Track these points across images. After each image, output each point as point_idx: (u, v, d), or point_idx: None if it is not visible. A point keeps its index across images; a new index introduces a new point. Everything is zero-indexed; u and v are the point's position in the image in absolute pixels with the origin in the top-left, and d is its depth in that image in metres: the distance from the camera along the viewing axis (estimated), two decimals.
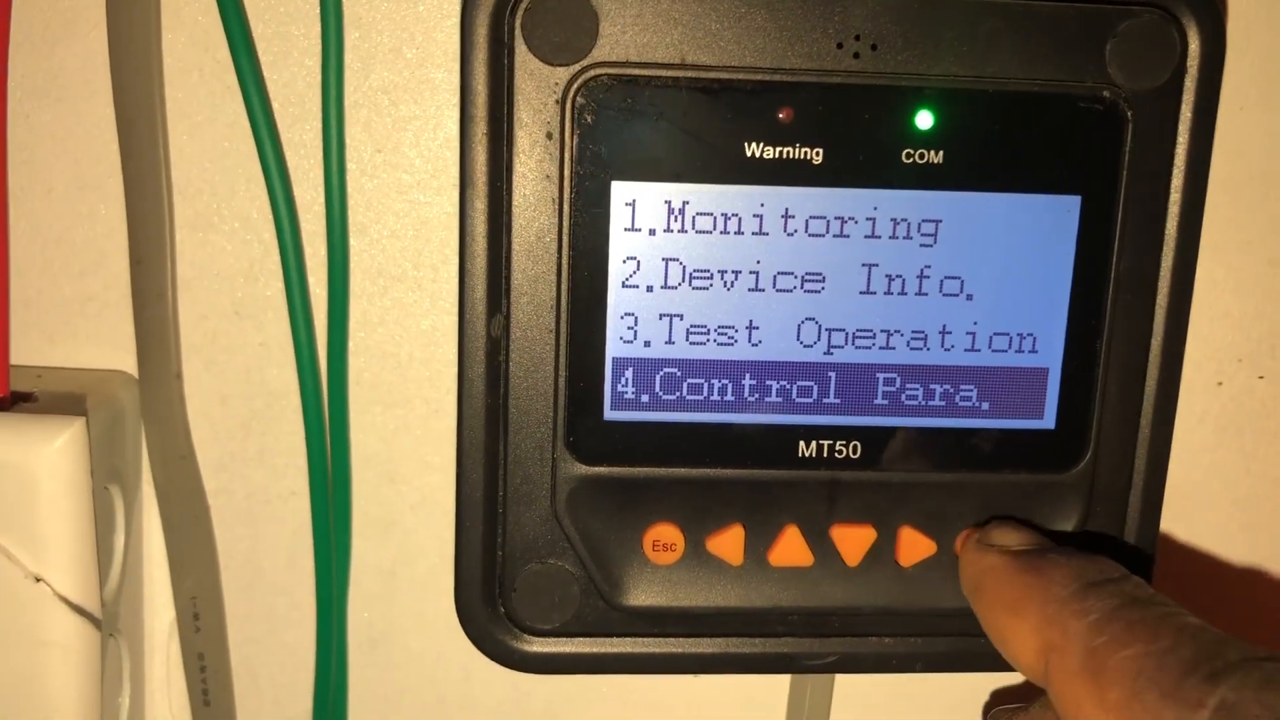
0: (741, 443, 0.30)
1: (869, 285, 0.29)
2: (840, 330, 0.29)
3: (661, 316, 0.29)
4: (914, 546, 0.31)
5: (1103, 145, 0.29)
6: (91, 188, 0.31)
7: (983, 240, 0.29)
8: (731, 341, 0.29)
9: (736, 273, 0.29)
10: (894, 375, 0.30)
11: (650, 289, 0.29)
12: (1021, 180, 0.29)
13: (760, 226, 0.29)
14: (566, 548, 0.30)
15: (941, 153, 0.29)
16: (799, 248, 0.29)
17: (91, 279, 0.32)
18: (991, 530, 0.29)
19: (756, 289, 0.29)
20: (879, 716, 0.37)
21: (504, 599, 0.30)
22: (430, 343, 0.33)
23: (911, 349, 0.30)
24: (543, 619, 0.30)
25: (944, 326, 0.30)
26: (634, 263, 0.29)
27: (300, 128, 0.31)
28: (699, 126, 0.28)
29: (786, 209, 0.29)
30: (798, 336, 0.29)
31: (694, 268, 0.29)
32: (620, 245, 0.29)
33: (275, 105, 0.31)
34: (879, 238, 0.29)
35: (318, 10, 0.30)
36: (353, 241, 0.32)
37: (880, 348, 0.30)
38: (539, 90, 0.28)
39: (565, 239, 0.28)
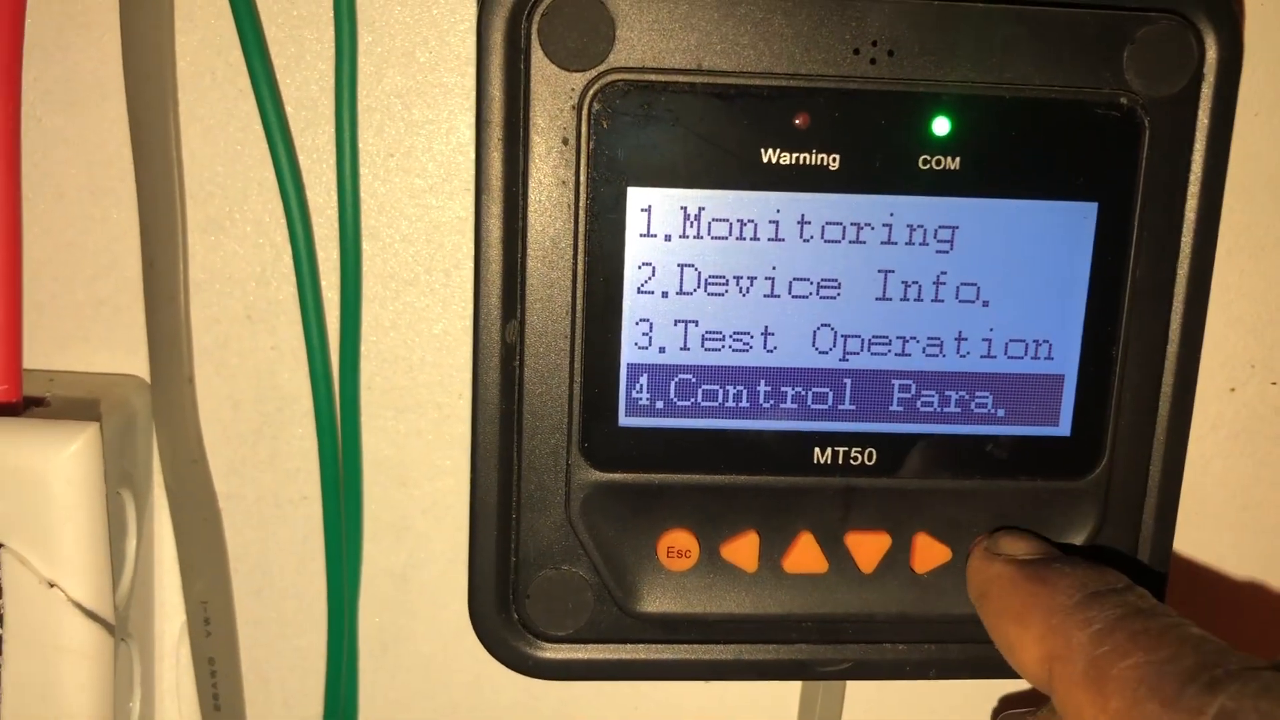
0: (756, 449, 0.30)
1: (885, 291, 0.29)
2: (856, 336, 0.29)
3: (677, 322, 0.29)
4: (929, 553, 0.31)
5: (1120, 152, 0.29)
6: (104, 191, 0.31)
7: (999, 246, 0.29)
8: (747, 348, 0.29)
9: (752, 279, 0.29)
10: (909, 382, 0.30)
11: (665, 295, 0.29)
12: (1038, 187, 0.29)
13: (776, 232, 0.29)
14: (580, 554, 0.30)
15: (958, 159, 0.29)
16: (815, 254, 0.29)
17: (103, 283, 0.32)
18: (998, 539, 0.29)
19: (772, 295, 0.29)
20: None
21: (517, 605, 0.30)
22: (442, 347, 0.33)
23: (927, 355, 0.30)
24: (556, 625, 0.30)
25: (960, 333, 0.30)
26: (649, 268, 0.29)
27: (313, 131, 0.31)
28: (715, 132, 0.28)
29: (803, 215, 0.29)
30: (813, 343, 0.29)
31: (709, 273, 0.29)
32: (636, 251, 0.28)
33: (288, 109, 0.31)
34: (895, 244, 0.29)
35: (331, 14, 0.30)
36: (365, 245, 0.32)
37: (896, 354, 0.30)
38: (555, 96, 0.28)
39: (581, 244, 0.28)
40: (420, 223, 0.32)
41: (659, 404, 0.29)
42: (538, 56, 0.27)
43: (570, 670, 0.31)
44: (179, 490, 0.32)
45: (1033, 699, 0.36)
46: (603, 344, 0.29)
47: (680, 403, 0.29)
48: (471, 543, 0.30)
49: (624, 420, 0.29)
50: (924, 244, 0.29)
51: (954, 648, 0.31)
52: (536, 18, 0.27)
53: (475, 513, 0.30)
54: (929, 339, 0.29)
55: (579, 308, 0.29)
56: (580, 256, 0.28)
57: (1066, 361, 0.30)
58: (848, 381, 0.30)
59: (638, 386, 0.29)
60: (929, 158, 0.29)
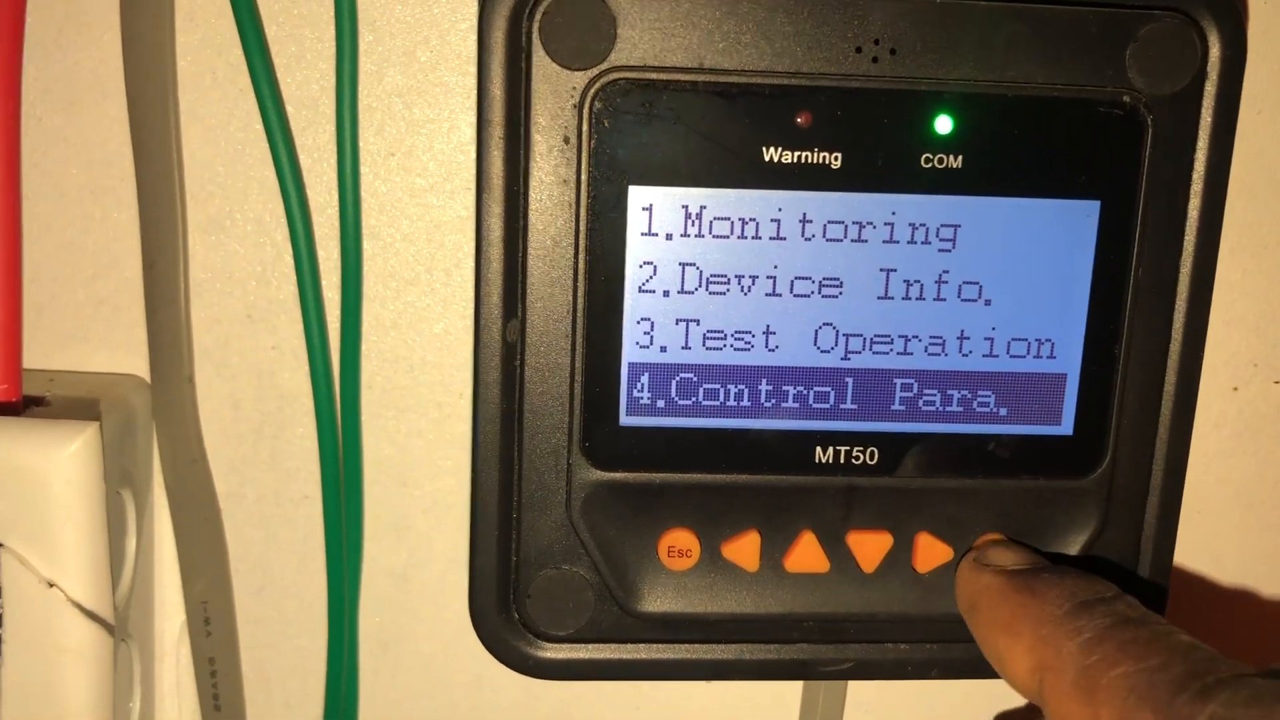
0: (758, 448, 0.30)
1: (887, 290, 0.29)
2: (858, 335, 0.29)
3: (678, 321, 0.29)
4: (931, 552, 0.30)
5: (1122, 150, 0.29)
6: (104, 191, 0.31)
7: (1001, 245, 0.29)
8: (748, 347, 0.29)
9: (754, 278, 0.29)
10: (911, 381, 0.30)
11: (667, 294, 0.29)
12: (1041, 185, 0.29)
13: (778, 231, 0.29)
14: (581, 553, 0.30)
15: (960, 157, 0.28)
16: (817, 253, 0.29)
17: (103, 283, 0.32)
18: (987, 550, 0.29)
19: (774, 294, 0.29)
20: None
21: (518, 605, 0.30)
22: (443, 347, 0.33)
23: (929, 354, 0.29)
24: (557, 625, 0.30)
25: (962, 332, 0.29)
26: (650, 267, 0.29)
27: (314, 131, 0.31)
28: (717, 131, 0.28)
29: (804, 214, 0.28)
30: (815, 342, 0.29)
31: (711, 272, 0.29)
32: (637, 250, 0.28)
33: (289, 108, 0.31)
34: (897, 243, 0.29)
35: (332, 13, 0.30)
36: (366, 245, 0.32)
37: (898, 353, 0.29)
38: (556, 94, 0.27)
39: (582, 243, 0.28)
40: (421, 222, 0.32)
41: (660, 403, 0.29)
42: (539, 55, 0.27)
43: (571, 670, 0.31)
44: (179, 490, 0.32)
45: (1030, 715, 0.36)
46: (604, 343, 0.29)
47: (681, 402, 0.29)
48: (472, 542, 0.30)
49: (625, 419, 0.29)
50: (926, 243, 0.29)
51: (956, 647, 0.31)
52: (538, 16, 0.27)
53: (476, 512, 0.30)
54: (931, 338, 0.29)
55: (580, 307, 0.29)
56: (581, 255, 0.28)
57: (1069, 360, 0.30)
58: (849, 381, 0.30)
59: (639, 386, 0.29)
60: (931, 156, 0.28)
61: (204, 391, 0.33)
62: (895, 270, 0.29)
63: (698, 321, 0.29)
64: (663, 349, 0.29)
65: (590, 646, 0.31)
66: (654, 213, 0.28)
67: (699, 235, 0.28)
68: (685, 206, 0.28)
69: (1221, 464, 0.35)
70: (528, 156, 0.28)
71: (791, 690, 0.36)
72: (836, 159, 0.28)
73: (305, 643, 0.35)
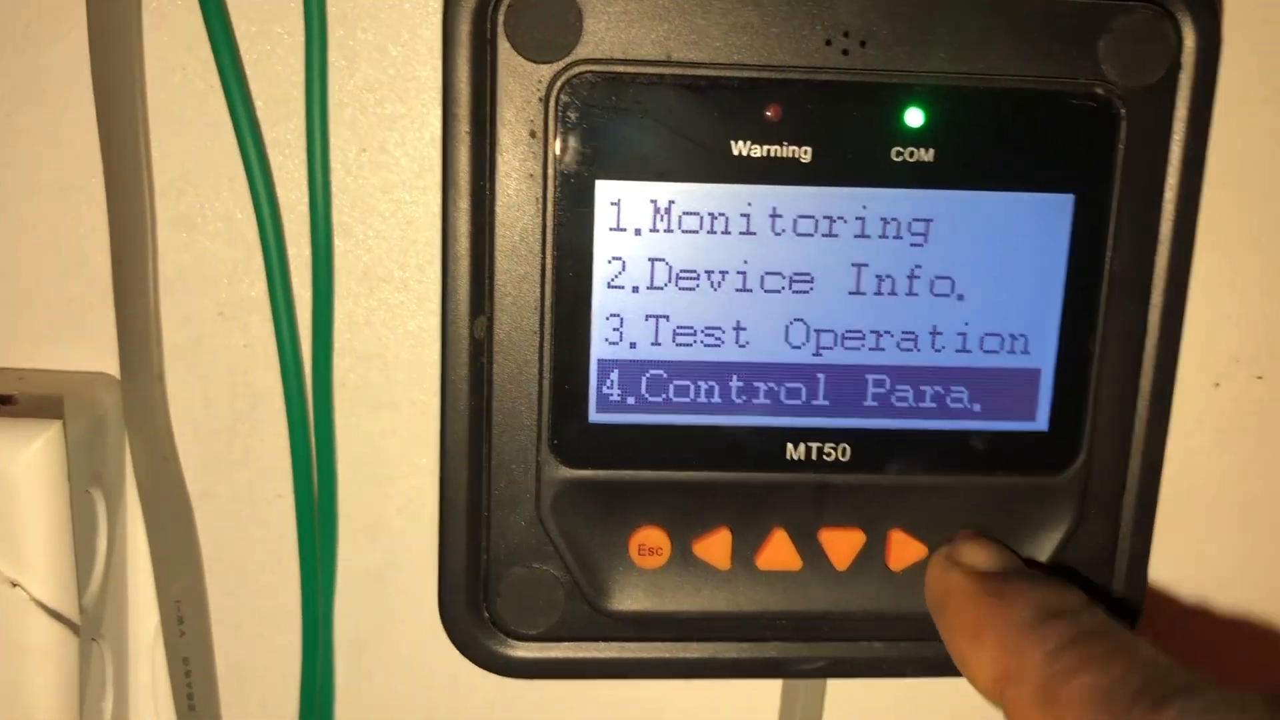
0: (729, 445, 0.29)
1: (858, 285, 0.29)
2: (829, 331, 0.29)
3: (648, 317, 0.29)
4: (904, 550, 0.30)
5: (1096, 143, 0.29)
6: (73, 189, 0.31)
7: (974, 240, 0.29)
8: (719, 343, 0.29)
9: (724, 273, 0.29)
10: (884, 377, 0.29)
11: (636, 289, 0.29)
12: (1013, 178, 0.28)
13: (748, 226, 0.28)
14: (551, 552, 0.30)
15: (932, 151, 0.28)
16: (787, 247, 0.28)
17: (74, 280, 0.32)
18: (959, 546, 0.29)
19: (744, 289, 0.29)
20: None
21: (488, 604, 0.30)
22: (417, 344, 0.32)
23: (902, 350, 0.29)
24: (527, 624, 0.30)
25: (934, 327, 0.29)
26: (619, 263, 0.28)
27: (284, 127, 0.31)
28: (685, 124, 0.28)
29: (774, 208, 0.28)
30: (786, 337, 0.29)
31: (680, 268, 0.28)
32: (605, 245, 0.28)
33: (258, 104, 0.31)
34: (868, 237, 0.29)
35: (301, 8, 0.30)
36: (337, 242, 0.32)
37: (870, 349, 0.29)
38: (522, 88, 0.27)
39: (549, 239, 0.28)
40: (393, 218, 0.32)
41: (630, 400, 0.29)
42: (504, 48, 0.27)
43: (542, 669, 0.30)
44: (151, 489, 0.32)
45: None
46: (573, 339, 0.29)
47: (652, 399, 0.29)
48: (441, 541, 0.30)
49: (594, 416, 0.29)
50: (898, 237, 0.29)
51: (931, 646, 0.31)
52: (503, 8, 0.27)
53: (445, 510, 0.29)
54: (903, 333, 0.29)
55: (548, 303, 0.28)
56: (549, 251, 0.28)
57: (1043, 356, 0.30)
58: (821, 376, 0.29)
59: (608, 382, 0.29)
60: (902, 149, 0.28)
61: (176, 389, 0.32)
62: (867, 265, 0.29)
63: (667, 317, 0.29)
64: (632, 345, 0.29)
65: (561, 645, 0.30)
66: (622, 207, 0.28)
67: (668, 230, 0.28)
68: (654, 201, 0.28)
69: (1202, 460, 0.35)
70: (494, 151, 0.28)
71: (771, 689, 0.36)
72: (806, 153, 0.28)
73: (280, 642, 0.34)
